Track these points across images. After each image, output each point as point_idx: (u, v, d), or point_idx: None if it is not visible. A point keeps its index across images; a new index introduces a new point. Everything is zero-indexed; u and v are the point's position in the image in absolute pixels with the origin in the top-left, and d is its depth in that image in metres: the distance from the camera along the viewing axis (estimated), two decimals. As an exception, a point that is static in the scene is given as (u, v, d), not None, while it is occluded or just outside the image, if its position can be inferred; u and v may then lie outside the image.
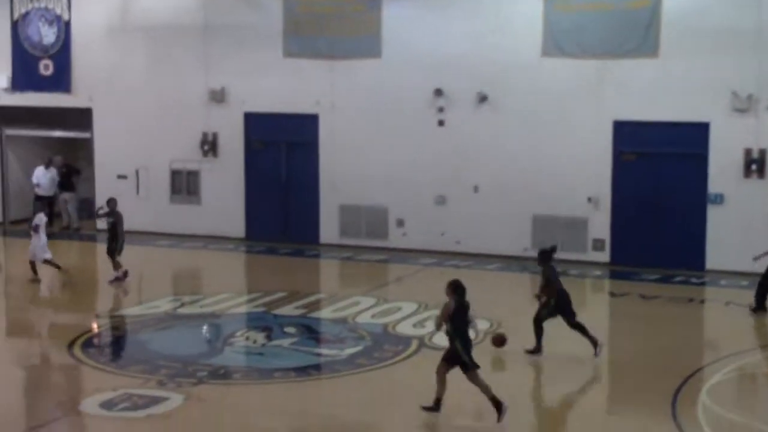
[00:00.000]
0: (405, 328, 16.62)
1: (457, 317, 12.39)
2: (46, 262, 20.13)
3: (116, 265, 19.90)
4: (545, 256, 15.07)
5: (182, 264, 22.98)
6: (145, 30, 24.80)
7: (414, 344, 15.74)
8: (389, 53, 22.83)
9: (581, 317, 15.16)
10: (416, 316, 17.42)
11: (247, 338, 16.25)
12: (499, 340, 14.38)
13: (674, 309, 18.51)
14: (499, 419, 12.06)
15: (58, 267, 20.23)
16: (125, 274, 19.89)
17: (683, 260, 21.19)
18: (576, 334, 14.97)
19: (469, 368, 12.31)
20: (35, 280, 20.01)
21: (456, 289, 12.54)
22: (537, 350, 15.02)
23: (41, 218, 20.22)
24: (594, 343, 14.91)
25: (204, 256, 23.19)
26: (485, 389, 12.24)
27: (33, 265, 20.07)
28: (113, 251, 19.93)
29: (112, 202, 20.31)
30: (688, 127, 21.02)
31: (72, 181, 26.25)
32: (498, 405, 12.13)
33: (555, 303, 14.92)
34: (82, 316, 17.77)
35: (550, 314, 14.99)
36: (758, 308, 17.74)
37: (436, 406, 12.36)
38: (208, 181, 24.73)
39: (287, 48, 23.62)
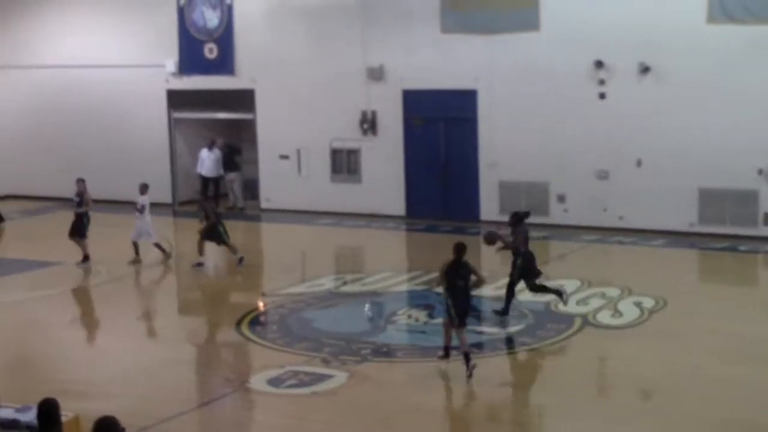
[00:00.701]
0: (568, 306, 16.35)
1: (450, 275, 13.13)
2: (156, 245, 20.54)
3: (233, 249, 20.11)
4: (516, 218, 15.72)
5: (344, 242, 23.24)
6: (304, 10, 25.08)
7: (577, 322, 15.51)
8: (548, 26, 22.45)
9: (753, 295, 14.64)
10: (579, 293, 17.13)
11: (409, 316, 16.33)
12: (490, 238, 15.09)
13: None
14: (469, 373, 12.90)
15: (164, 251, 20.59)
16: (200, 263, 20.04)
17: None
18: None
19: (454, 324, 13.15)
20: (136, 261, 20.31)
21: (456, 249, 13.29)
22: (505, 312, 15.63)
23: (146, 200, 20.60)
24: (559, 293, 15.72)
25: (365, 235, 23.38)
26: (463, 344, 13.12)
27: (136, 246, 20.43)
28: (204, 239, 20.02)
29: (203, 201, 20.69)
30: None
31: (236, 162, 26.82)
32: (468, 359, 13.01)
33: (522, 264, 15.38)
34: (249, 294, 18.19)
35: (520, 276, 15.51)
36: None
37: (446, 354, 13.43)
38: (367, 160, 24.89)
39: (444, 24, 23.50)
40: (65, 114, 28.18)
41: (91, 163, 27.58)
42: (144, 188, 20.70)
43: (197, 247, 19.96)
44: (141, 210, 20.44)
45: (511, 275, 15.65)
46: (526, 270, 15.54)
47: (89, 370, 14.08)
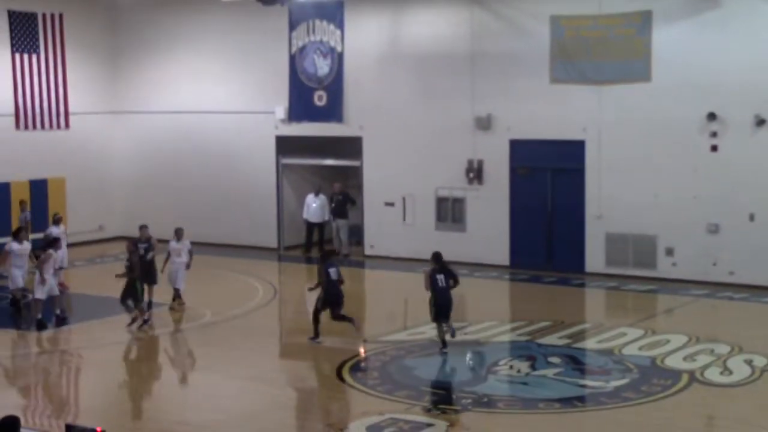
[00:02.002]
0: (674, 362, 15.99)
1: (433, 278, 16.91)
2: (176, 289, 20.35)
3: (141, 311, 18.84)
4: (324, 255, 18.33)
5: (447, 290, 23.07)
6: (413, 59, 25.26)
7: (684, 379, 15.11)
8: (659, 77, 22.17)
9: None
10: (686, 349, 16.73)
11: (511, 367, 16.12)
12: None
13: None
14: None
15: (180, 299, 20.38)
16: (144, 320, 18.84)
17: None
18: None
19: (432, 317, 17.00)
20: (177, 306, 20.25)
21: (434, 258, 17.18)
22: (316, 337, 17.61)
23: (187, 244, 20.47)
24: (352, 322, 17.64)
25: (468, 284, 23.09)
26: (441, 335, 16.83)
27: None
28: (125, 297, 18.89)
29: (131, 244, 19.76)
30: None
31: (346, 209, 26.91)
32: (444, 344, 16.76)
33: (324, 297, 17.45)
34: (350, 340, 18.20)
35: (323, 306, 17.55)
36: None
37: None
38: (473, 208, 24.80)
39: (554, 74, 23.39)
40: (175, 158, 28.84)
41: (200, 206, 28.17)
42: (180, 232, 20.53)
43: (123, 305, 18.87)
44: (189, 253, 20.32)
45: (316, 304, 17.68)
46: (329, 303, 17.52)
47: (193, 411, 14.23)
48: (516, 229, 24.26)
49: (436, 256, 17.23)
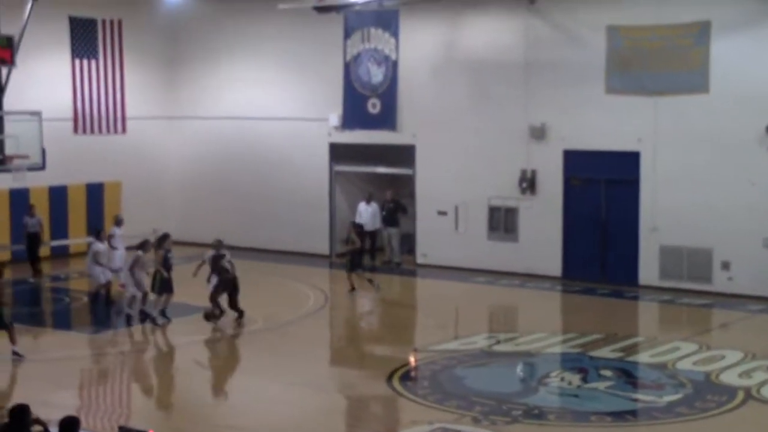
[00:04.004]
0: (730, 378, 15.76)
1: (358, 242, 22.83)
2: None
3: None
4: (216, 256, 19.82)
5: (498, 301, 23.03)
6: (468, 67, 25.19)
7: (740, 395, 14.89)
8: (717, 88, 21.90)
9: None
10: (742, 365, 16.49)
11: (562, 379, 15.99)
12: (208, 317, 19.44)
13: None
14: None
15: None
16: None
17: None
18: None
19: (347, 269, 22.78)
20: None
21: (353, 225, 23.50)
22: (221, 314, 19.54)
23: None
24: (239, 314, 19.64)
25: (520, 294, 23.12)
26: (350, 280, 22.48)
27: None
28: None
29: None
30: None
31: (397, 217, 26.86)
32: (352, 287, 22.23)
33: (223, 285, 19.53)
34: (401, 349, 18.17)
35: (222, 292, 19.55)
36: None
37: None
38: (525, 219, 24.66)
39: (609, 84, 23.21)
40: (230, 164, 29.01)
41: (253, 212, 28.31)
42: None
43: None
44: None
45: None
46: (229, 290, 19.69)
47: (243, 416, 14.28)
48: (569, 241, 24.07)
49: (356, 224, 24.21)
